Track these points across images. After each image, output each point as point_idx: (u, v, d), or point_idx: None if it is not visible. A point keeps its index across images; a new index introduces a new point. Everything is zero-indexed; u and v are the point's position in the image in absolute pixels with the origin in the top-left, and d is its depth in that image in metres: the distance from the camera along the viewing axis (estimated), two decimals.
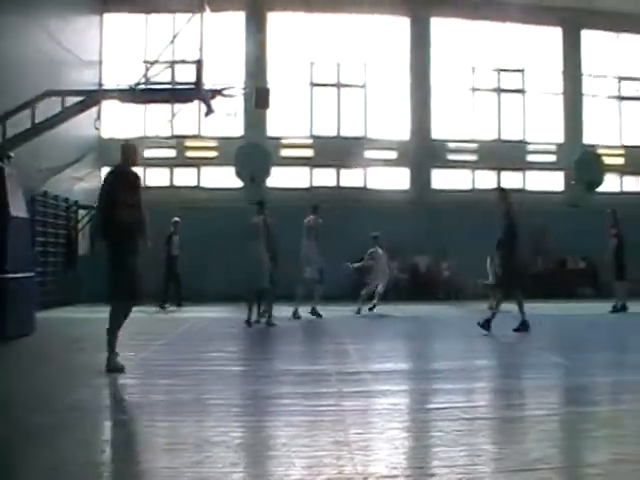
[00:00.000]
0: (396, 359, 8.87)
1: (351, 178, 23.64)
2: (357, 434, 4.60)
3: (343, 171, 23.70)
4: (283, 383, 6.77)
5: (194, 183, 22.96)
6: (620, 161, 25.29)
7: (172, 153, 22.51)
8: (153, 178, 21.06)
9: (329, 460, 3.96)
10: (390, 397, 5.96)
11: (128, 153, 7.54)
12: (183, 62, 16.95)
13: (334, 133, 23.60)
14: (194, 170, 23.00)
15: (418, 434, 4.83)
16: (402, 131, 23.98)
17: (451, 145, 24.29)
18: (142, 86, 15.76)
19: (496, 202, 11.59)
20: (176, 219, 17.15)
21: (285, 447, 4.29)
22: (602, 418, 5.20)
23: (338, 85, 23.71)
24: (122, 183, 7.24)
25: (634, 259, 16.26)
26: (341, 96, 23.73)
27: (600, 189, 23.70)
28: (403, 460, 4.11)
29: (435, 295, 21.19)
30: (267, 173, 21.36)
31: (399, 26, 24.06)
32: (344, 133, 23.65)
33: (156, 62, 16.60)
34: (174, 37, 16.97)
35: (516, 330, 10.91)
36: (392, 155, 23.79)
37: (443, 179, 23.96)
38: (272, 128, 23.21)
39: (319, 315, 14.44)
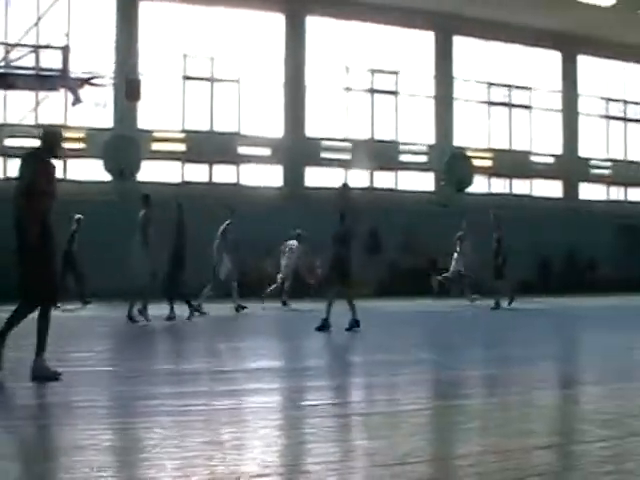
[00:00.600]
0: (269, 357, 8.83)
1: (224, 174, 23.45)
2: (229, 433, 4.51)
3: (216, 167, 23.46)
4: (153, 383, 6.57)
5: (60, 175, 21.98)
6: (488, 163, 26.53)
7: (36, 143, 21.46)
8: (15, 169, 20.04)
9: (201, 461, 3.85)
10: (263, 395, 5.90)
11: (51, 140, 6.78)
12: (48, 47, 16.22)
13: (207, 128, 23.32)
14: (60, 162, 22.04)
15: (291, 431, 4.80)
16: (276, 128, 24.04)
17: (325, 143, 24.58)
18: (2, 70, 14.95)
19: (337, 198, 11.27)
20: (79, 216, 16.36)
21: (155, 449, 4.14)
22: (471, 411, 5.34)
23: (212, 79, 23.45)
24: (41, 170, 6.58)
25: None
26: (214, 90, 23.48)
27: (469, 190, 24.78)
28: (276, 458, 4.06)
29: (308, 292, 21.33)
30: (137, 167, 20.80)
31: (274, 22, 24.10)
32: (217, 128, 23.42)
33: (18, 45, 15.78)
34: (38, 20, 16.20)
35: (348, 329, 10.72)
36: (266, 152, 23.81)
37: (317, 177, 24.23)
38: (143, 121, 22.63)
39: (242, 307, 14.83)
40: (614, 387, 6.35)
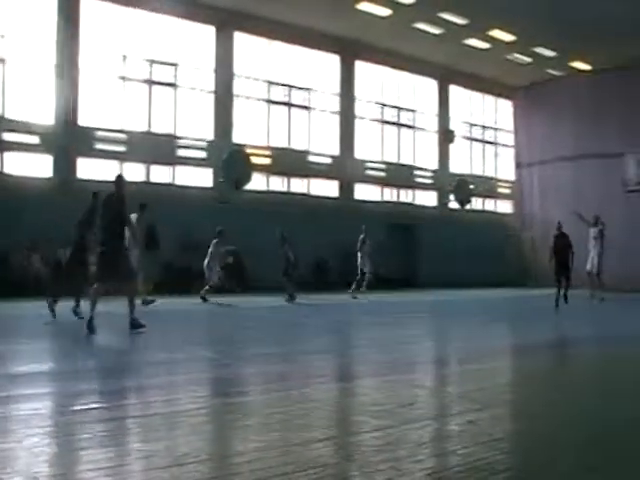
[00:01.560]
0: (39, 359, 8.22)
1: None
2: None
3: None
4: None
5: None
6: (267, 161, 26.98)
7: None
8: None
9: None
10: (31, 401, 5.50)
11: None
12: None
13: None
14: None
15: (62, 439, 4.51)
16: (46, 115, 22.66)
17: (99, 134, 23.59)
18: None
19: (114, 190, 10.68)
20: None
21: None
22: (250, 408, 5.38)
23: None
24: None
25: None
26: None
27: (248, 187, 25.06)
28: (46, 468, 3.80)
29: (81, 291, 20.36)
30: None
31: (46, 2, 22.71)
32: None
33: None
34: None
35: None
36: (34, 139, 22.33)
37: (90, 168, 23.14)
38: None
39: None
40: (387, 379, 6.72)
